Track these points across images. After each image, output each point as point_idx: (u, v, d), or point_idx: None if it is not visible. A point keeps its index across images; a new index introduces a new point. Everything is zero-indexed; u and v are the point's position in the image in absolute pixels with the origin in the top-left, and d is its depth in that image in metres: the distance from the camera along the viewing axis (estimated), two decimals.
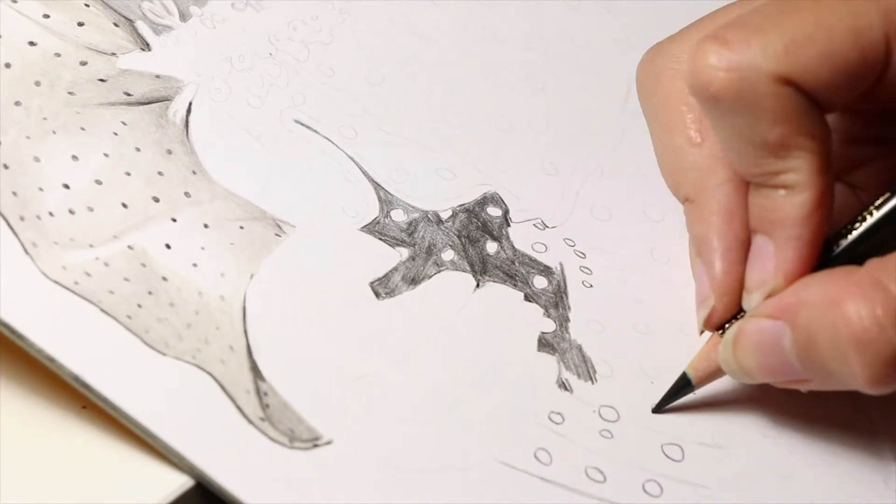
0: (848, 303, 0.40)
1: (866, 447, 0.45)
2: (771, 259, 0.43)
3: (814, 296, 0.41)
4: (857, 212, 0.43)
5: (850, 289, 0.41)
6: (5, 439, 0.41)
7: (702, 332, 0.46)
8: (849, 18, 0.41)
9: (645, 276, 0.48)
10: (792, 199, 0.42)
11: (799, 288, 0.42)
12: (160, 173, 0.45)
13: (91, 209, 0.44)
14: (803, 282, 0.42)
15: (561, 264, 0.48)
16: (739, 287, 0.44)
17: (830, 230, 0.43)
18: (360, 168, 0.48)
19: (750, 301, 0.44)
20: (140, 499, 0.40)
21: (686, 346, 0.47)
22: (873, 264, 0.41)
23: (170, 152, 0.46)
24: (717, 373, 0.45)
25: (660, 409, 0.45)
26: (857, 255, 0.42)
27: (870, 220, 0.43)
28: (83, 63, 0.47)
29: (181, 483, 0.40)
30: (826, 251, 0.43)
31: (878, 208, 0.43)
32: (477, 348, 0.45)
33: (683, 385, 0.45)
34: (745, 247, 0.44)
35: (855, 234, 0.43)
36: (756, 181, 0.43)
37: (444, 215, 0.48)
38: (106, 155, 0.45)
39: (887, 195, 0.43)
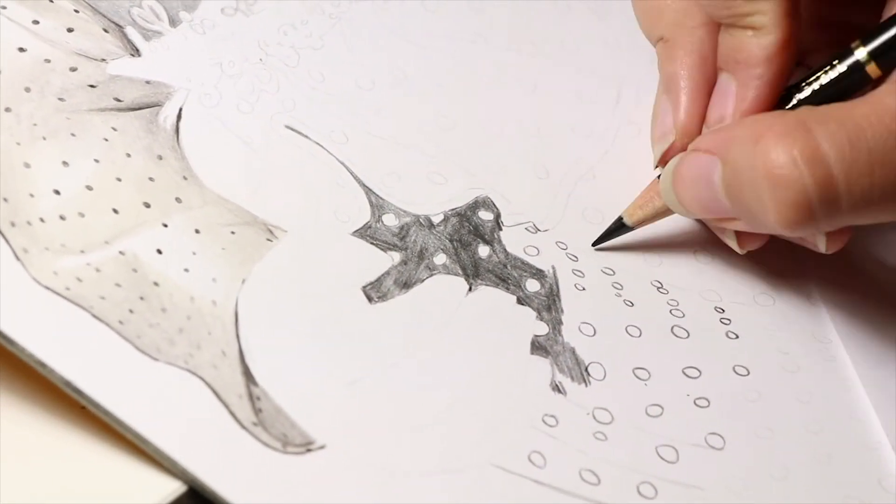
0: (769, 139, 0.42)
1: (861, 448, 0.45)
2: (732, 97, 0.45)
3: (744, 132, 0.43)
4: (809, 72, 0.45)
5: (774, 127, 0.42)
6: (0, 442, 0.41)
7: (656, 167, 0.48)
8: None
9: (636, 278, 0.48)
10: (758, 39, 0.44)
11: (735, 125, 0.44)
12: (151, 179, 0.45)
13: (82, 215, 0.44)
14: (741, 120, 0.45)
15: (553, 267, 0.48)
16: (700, 128, 0.47)
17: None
18: (352, 173, 0.48)
19: None
20: (133, 503, 0.40)
21: (678, 348, 0.47)
22: (804, 109, 0.43)
23: (160, 158, 0.46)
24: (652, 216, 0.48)
25: (597, 243, 0.49)
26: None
27: (822, 79, 0.45)
28: (73, 69, 0.47)
29: (174, 488, 0.40)
30: (780, 105, 0.45)
31: (830, 68, 0.45)
32: (470, 352, 0.45)
33: (619, 226, 0.49)
34: (711, 91, 0.47)
35: (806, 91, 0.45)
36: (726, 22, 0.45)
37: (436, 219, 0.48)
38: (96, 160, 0.45)
39: (836, 58, 0.45)
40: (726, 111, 0.46)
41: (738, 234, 0.47)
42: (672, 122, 0.47)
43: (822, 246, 0.45)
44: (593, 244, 0.49)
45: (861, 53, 0.44)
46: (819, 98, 0.45)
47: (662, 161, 0.48)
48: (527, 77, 0.53)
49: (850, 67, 0.44)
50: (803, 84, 0.45)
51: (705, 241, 0.50)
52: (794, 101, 0.45)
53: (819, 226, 0.42)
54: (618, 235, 0.49)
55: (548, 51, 0.54)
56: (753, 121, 0.43)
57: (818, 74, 0.45)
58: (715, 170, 0.44)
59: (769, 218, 0.42)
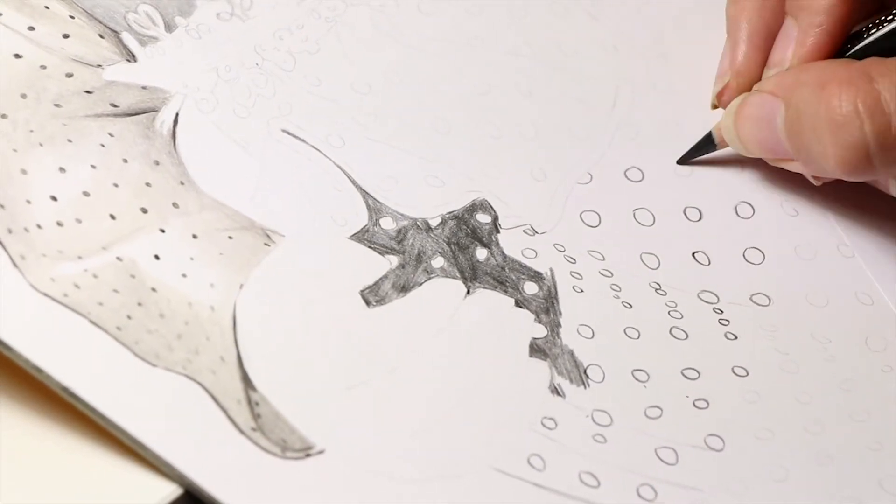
0: (833, 87, 0.44)
1: (861, 448, 0.45)
2: (793, 42, 0.47)
3: (809, 78, 0.45)
4: (875, 20, 0.47)
5: (839, 76, 0.44)
6: None
7: (714, 107, 0.50)
8: None
9: (634, 280, 0.48)
10: None
11: (800, 70, 0.46)
12: (148, 184, 0.45)
13: (79, 221, 0.44)
14: (807, 66, 0.47)
15: (551, 270, 0.48)
16: (756, 71, 0.49)
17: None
18: (349, 176, 0.48)
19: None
20: None
21: (677, 350, 0.47)
22: (871, 61, 0.45)
23: (157, 163, 0.46)
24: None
25: (683, 161, 0.50)
26: (869, 55, 0.46)
27: (886, 28, 0.46)
28: (69, 75, 0.47)
29: (169, 491, 0.40)
30: (844, 50, 0.47)
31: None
32: (468, 355, 0.45)
33: (707, 143, 0.50)
34: (771, 36, 0.49)
35: (871, 37, 0.47)
36: None
37: (434, 222, 0.48)
38: (93, 166, 0.45)
39: None
40: (786, 55, 0.47)
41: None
42: (728, 64, 0.49)
43: (893, 190, 0.48)
44: (679, 161, 0.50)
45: None
46: (883, 46, 0.46)
47: (718, 99, 0.50)
48: (523, 79, 0.53)
49: None
50: (867, 31, 0.47)
51: (703, 241, 0.50)
52: (857, 49, 0.47)
53: (875, 171, 0.44)
54: (704, 153, 0.50)
55: (544, 53, 0.54)
56: (819, 67, 0.45)
57: (884, 23, 0.46)
58: (777, 111, 0.46)
59: (829, 162, 0.44)
